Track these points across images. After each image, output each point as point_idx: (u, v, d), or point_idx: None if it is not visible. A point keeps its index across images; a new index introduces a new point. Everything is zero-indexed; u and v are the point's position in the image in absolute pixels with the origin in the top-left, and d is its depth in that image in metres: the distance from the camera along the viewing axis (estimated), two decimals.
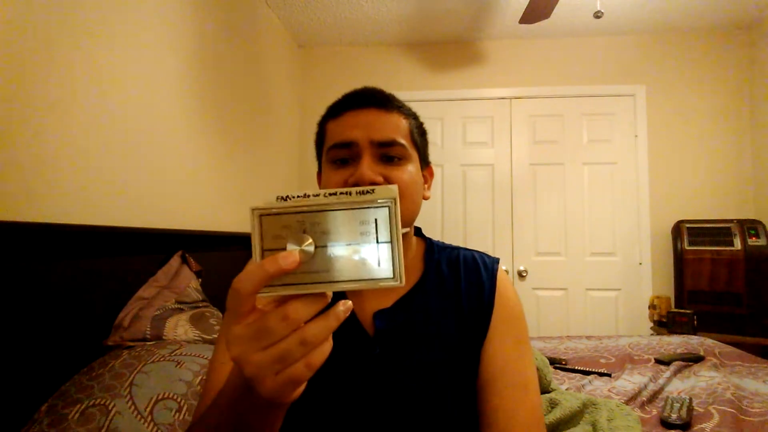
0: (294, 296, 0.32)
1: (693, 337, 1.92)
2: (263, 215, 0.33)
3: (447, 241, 0.74)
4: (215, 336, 1.16)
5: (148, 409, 0.80)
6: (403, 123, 0.63)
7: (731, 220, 2.45)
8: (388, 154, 0.59)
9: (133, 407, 0.79)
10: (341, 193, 0.33)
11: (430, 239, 0.72)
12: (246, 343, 0.32)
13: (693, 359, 1.58)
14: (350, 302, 0.34)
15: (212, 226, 1.76)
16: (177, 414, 0.83)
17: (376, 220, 0.33)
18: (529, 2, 1.95)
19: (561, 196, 2.78)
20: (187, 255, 1.36)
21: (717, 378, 1.38)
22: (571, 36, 2.79)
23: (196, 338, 1.11)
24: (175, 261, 1.30)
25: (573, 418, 1.15)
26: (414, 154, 0.63)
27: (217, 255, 1.69)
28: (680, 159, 2.69)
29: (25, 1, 0.95)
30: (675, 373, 1.47)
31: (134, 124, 1.31)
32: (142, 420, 0.78)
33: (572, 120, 2.80)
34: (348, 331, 0.58)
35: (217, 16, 1.84)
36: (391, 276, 0.33)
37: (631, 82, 2.75)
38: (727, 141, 2.66)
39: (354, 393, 0.58)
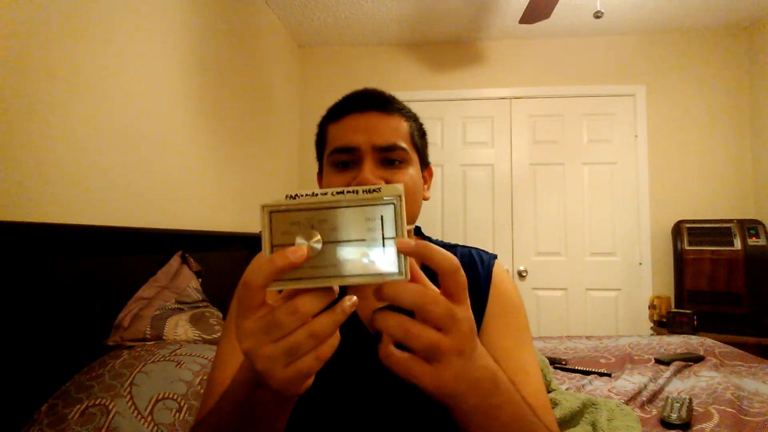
0: (303, 291, 0.33)
1: (693, 337, 1.92)
2: (273, 212, 0.34)
3: (450, 242, 0.74)
4: (215, 336, 1.16)
5: (148, 409, 0.80)
6: (404, 126, 0.63)
7: (731, 220, 2.45)
8: (389, 158, 0.60)
9: (133, 407, 0.79)
10: (348, 192, 0.34)
11: (429, 238, 0.72)
12: (257, 337, 0.33)
13: (693, 359, 1.59)
14: (355, 297, 0.35)
15: (212, 226, 1.76)
16: (177, 414, 0.83)
17: (382, 216, 0.34)
18: (529, 2, 1.95)
19: (561, 196, 2.78)
20: (187, 255, 1.36)
21: (717, 378, 1.38)
22: (571, 36, 2.79)
23: (196, 338, 1.11)
24: (175, 261, 1.30)
25: (573, 418, 1.15)
26: (414, 157, 0.64)
27: (217, 255, 1.69)
28: (680, 159, 2.69)
29: (25, 1, 0.95)
30: (675, 373, 1.47)
31: (134, 124, 1.31)
32: (142, 420, 0.78)
33: (572, 120, 2.80)
34: (349, 329, 0.58)
35: (217, 16, 1.84)
36: (397, 271, 0.34)
37: (631, 82, 2.75)
38: (727, 141, 2.66)
39: (355, 389, 0.58)
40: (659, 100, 2.72)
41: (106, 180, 1.19)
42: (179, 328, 1.11)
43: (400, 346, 0.34)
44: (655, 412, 1.21)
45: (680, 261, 2.46)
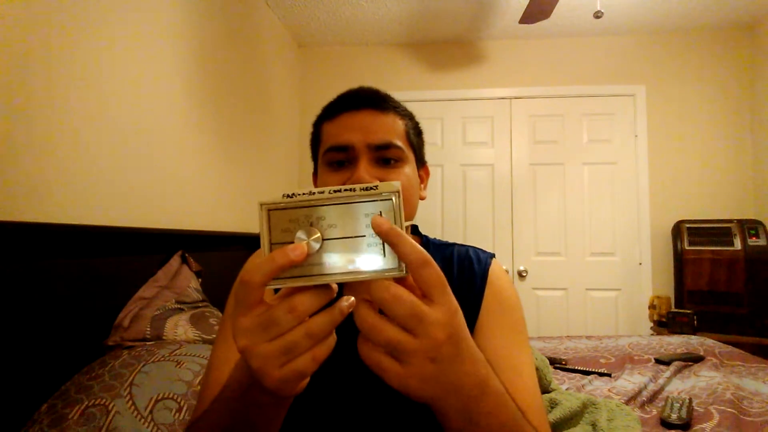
0: (301, 289, 0.33)
1: (693, 337, 1.92)
2: (271, 210, 0.34)
3: (448, 241, 0.74)
4: (215, 336, 1.16)
5: (148, 409, 0.80)
6: (399, 124, 0.62)
7: (731, 220, 2.45)
8: (384, 156, 0.59)
9: (133, 407, 0.79)
10: (345, 190, 0.34)
11: (426, 236, 0.72)
12: (253, 335, 0.32)
13: (693, 359, 1.58)
14: (353, 298, 0.35)
15: (212, 226, 1.76)
16: (177, 414, 0.83)
17: (380, 213, 0.34)
18: (529, 2, 1.95)
19: (561, 196, 2.78)
20: (187, 255, 1.36)
21: (717, 378, 1.38)
22: (571, 36, 2.79)
23: (196, 338, 1.11)
24: (175, 261, 1.30)
25: (573, 418, 1.15)
26: (410, 155, 0.63)
27: (217, 255, 1.69)
28: (680, 159, 2.69)
29: (26, 1, 0.95)
30: (675, 373, 1.47)
31: (134, 124, 1.31)
32: (142, 420, 0.78)
33: (572, 120, 2.80)
34: (345, 331, 0.58)
35: (217, 16, 1.84)
36: (396, 266, 0.34)
37: (631, 82, 2.75)
38: (727, 141, 2.66)
39: (351, 391, 0.58)
40: (659, 100, 2.72)
41: (106, 180, 1.19)
42: (179, 328, 1.11)
43: None
44: (655, 412, 1.21)
45: (680, 261, 2.46)
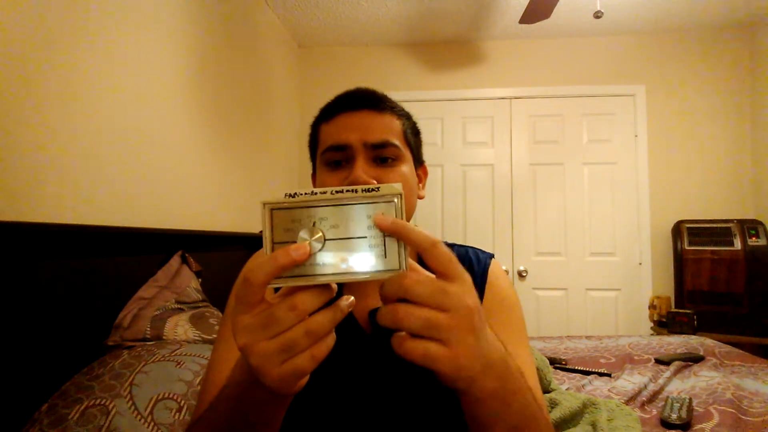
0: (301, 288, 0.33)
1: (693, 337, 1.92)
2: (274, 209, 0.35)
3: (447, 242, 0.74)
4: (215, 336, 1.16)
5: (148, 409, 0.80)
6: (396, 123, 0.63)
7: (731, 220, 2.45)
8: (381, 155, 0.60)
9: (133, 407, 0.79)
10: (347, 190, 0.34)
11: None
12: (253, 333, 0.32)
13: (693, 359, 1.59)
14: (353, 297, 0.35)
15: (212, 226, 1.76)
16: (177, 414, 0.83)
17: (382, 214, 0.34)
18: (529, 2, 1.95)
19: (561, 196, 2.78)
20: (187, 255, 1.36)
21: (717, 378, 1.38)
22: (571, 36, 2.79)
23: (196, 338, 1.11)
24: (175, 261, 1.30)
25: (573, 418, 1.15)
26: (407, 155, 0.63)
27: (217, 255, 1.69)
28: (680, 159, 2.69)
29: (26, 2, 0.95)
30: (675, 373, 1.47)
31: (134, 124, 1.31)
32: (142, 420, 0.78)
33: (572, 120, 2.80)
34: (345, 330, 0.58)
35: (217, 16, 1.84)
36: (398, 268, 0.34)
37: (631, 82, 2.75)
38: (727, 141, 2.66)
39: (351, 390, 0.58)
40: (659, 100, 2.72)
41: (106, 180, 1.19)
42: (179, 328, 1.11)
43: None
44: (655, 412, 1.21)
45: (680, 261, 2.46)
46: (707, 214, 2.61)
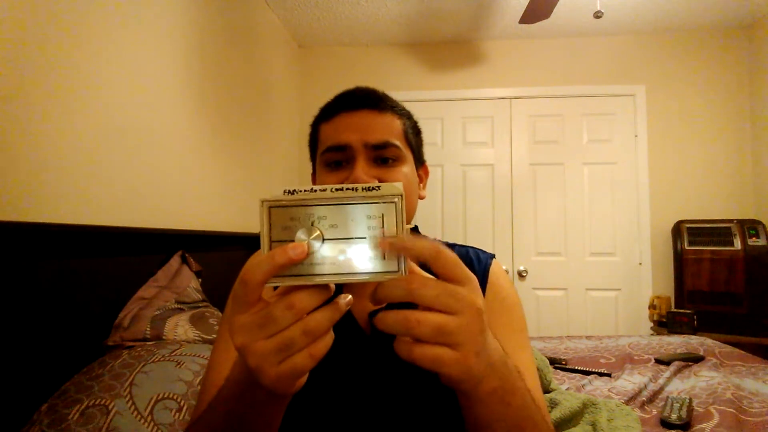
0: (299, 287, 0.33)
1: (693, 337, 1.92)
2: (272, 207, 0.34)
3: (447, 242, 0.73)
4: (215, 336, 1.16)
5: (148, 409, 0.80)
6: (397, 123, 0.62)
7: (731, 220, 2.45)
8: (382, 155, 0.59)
9: (133, 407, 0.79)
10: (347, 189, 0.34)
11: (425, 237, 0.72)
12: (251, 332, 0.32)
13: (693, 359, 1.58)
14: (351, 296, 0.35)
15: (212, 226, 1.76)
16: (177, 414, 0.83)
17: (382, 215, 0.34)
18: (529, 2, 1.95)
19: (561, 196, 2.78)
20: (187, 255, 1.36)
21: (717, 378, 1.38)
22: (571, 36, 2.79)
23: (196, 338, 1.11)
24: (175, 261, 1.30)
25: (573, 418, 1.15)
26: (408, 155, 0.63)
27: (217, 255, 1.69)
28: (680, 159, 2.69)
29: (25, 1, 0.95)
30: (675, 373, 1.47)
31: (134, 124, 1.31)
32: (142, 420, 0.78)
33: (572, 120, 2.80)
34: (344, 329, 0.58)
35: (217, 16, 1.84)
36: (396, 269, 0.33)
37: (631, 82, 2.75)
38: (727, 140, 2.66)
39: (350, 390, 0.58)
40: (659, 100, 2.72)
41: (106, 180, 1.19)
42: (179, 328, 1.11)
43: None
44: (655, 412, 1.21)
45: (680, 261, 2.46)
46: (707, 214, 2.61)
